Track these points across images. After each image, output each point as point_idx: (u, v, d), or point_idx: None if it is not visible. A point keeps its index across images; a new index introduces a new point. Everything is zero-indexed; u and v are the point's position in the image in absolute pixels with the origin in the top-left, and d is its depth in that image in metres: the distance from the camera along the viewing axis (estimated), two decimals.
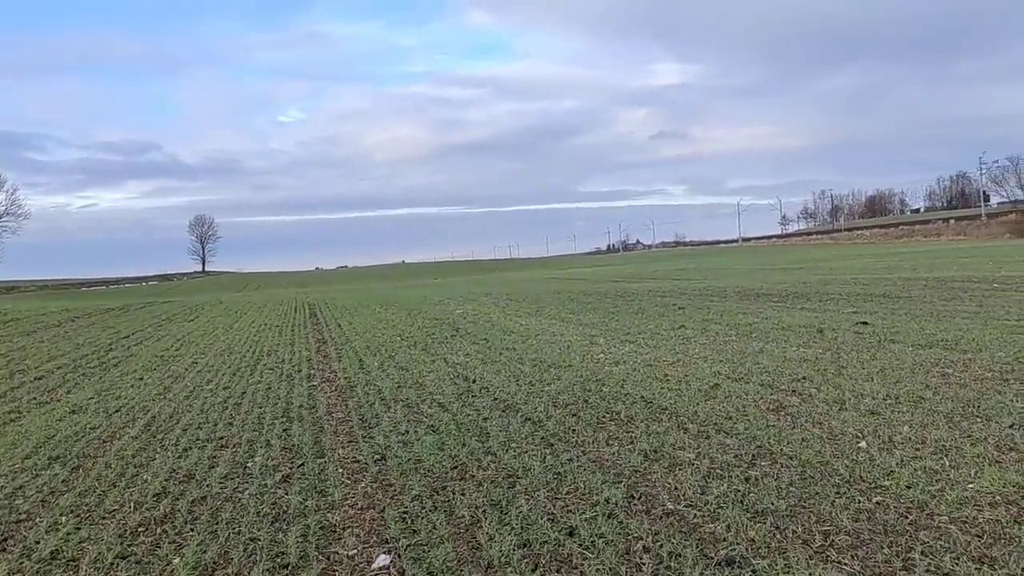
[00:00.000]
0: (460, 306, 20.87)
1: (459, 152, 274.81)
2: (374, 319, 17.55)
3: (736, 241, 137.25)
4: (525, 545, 3.74)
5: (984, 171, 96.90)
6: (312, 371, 9.70)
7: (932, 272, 24.46)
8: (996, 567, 3.25)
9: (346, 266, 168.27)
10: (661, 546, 3.63)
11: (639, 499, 4.27)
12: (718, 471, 4.65)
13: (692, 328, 12.30)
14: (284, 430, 6.53)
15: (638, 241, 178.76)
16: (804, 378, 7.27)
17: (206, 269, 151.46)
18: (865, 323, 11.45)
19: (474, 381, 8.30)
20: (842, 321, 12.08)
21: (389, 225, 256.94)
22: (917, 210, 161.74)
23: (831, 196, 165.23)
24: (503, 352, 10.62)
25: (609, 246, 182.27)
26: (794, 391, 6.74)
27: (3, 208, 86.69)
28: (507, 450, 5.36)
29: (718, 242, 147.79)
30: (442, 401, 7.24)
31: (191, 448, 6.01)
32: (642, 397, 6.87)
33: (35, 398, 8.88)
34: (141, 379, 9.90)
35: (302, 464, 5.38)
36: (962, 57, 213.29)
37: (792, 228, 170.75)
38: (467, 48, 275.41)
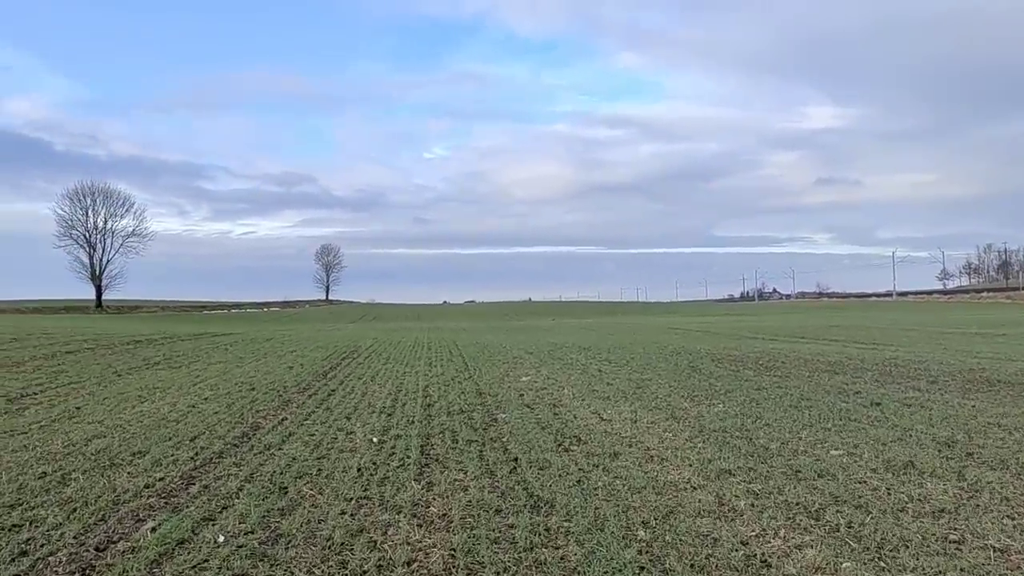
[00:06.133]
0: (538, 367, 15.16)
1: (598, 192, 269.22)
2: (395, 385, 12.15)
3: (890, 295, 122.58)
4: None
5: None
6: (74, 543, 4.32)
7: None
8: None
9: (473, 301, 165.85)
10: None
11: None
12: None
13: (936, 476, 5.95)
14: None
15: (775, 290, 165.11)
16: None
17: (330, 298, 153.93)
18: None
19: None
20: None
21: (522, 262, 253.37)
22: None
23: (1004, 250, 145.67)
24: (517, 523, 4.80)
25: (743, 294, 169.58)
26: None
27: (132, 228, 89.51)
28: None
29: (867, 295, 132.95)
30: None
31: None
32: None
33: None
34: None
35: None
36: None
37: (952, 284, 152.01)
38: (614, 88, 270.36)
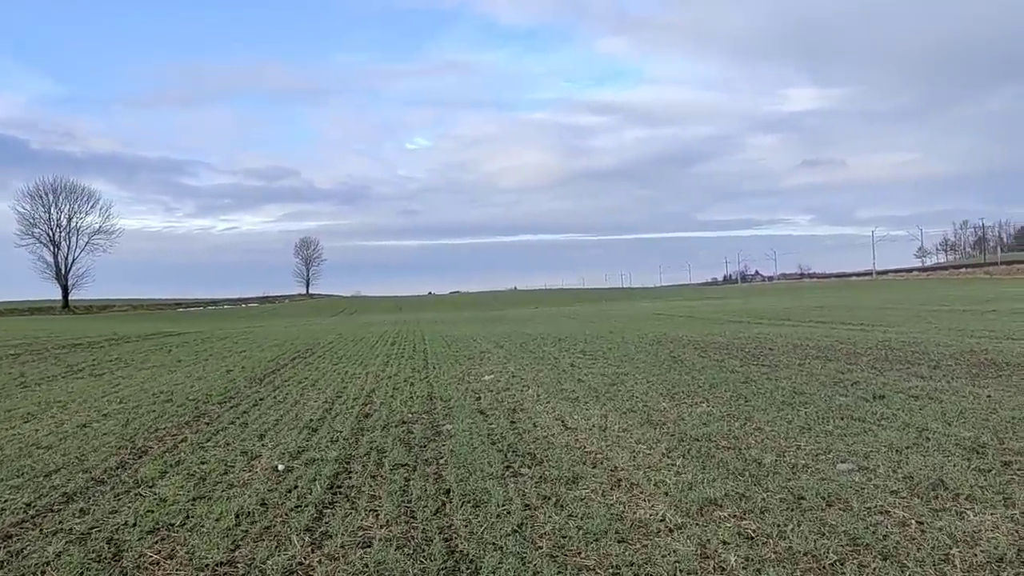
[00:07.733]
0: (505, 363, 13.83)
1: (583, 179, 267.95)
2: (336, 391, 10.76)
3: (869, 274, 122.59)
4: None
5: None
6: None
7: None
8: None
9: (458, 291, 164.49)
10: None
11: None
12: None
13: (975, 500, 4.67)
14: None
15: (757, 272, 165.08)
16: None
17: (311, 292, 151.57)
18: None
19: None
20: None
21: (507, 251, 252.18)
22: None
23: (981, 226, 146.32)
24: None
25: (726, 276, 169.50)
26: None
27: (98, 225, 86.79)
28: None
29: (847, 275, 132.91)
30: None
31: None
32: None
33: None
34: None
35: None
36: None
37: (930, 261, 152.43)
38: (596, 74, 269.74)
